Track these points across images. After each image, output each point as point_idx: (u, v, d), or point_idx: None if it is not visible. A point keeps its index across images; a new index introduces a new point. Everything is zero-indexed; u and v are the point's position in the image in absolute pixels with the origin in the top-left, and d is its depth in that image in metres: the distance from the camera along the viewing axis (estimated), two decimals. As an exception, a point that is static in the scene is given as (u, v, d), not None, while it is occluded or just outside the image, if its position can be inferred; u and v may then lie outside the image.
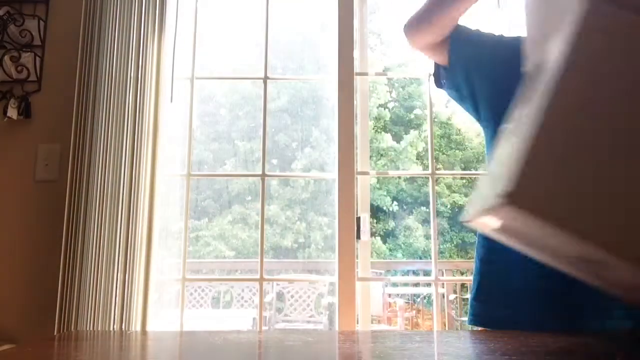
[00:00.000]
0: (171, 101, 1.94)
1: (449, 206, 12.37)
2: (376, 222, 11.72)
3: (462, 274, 7.55)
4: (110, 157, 1.77)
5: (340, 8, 2.05)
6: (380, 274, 5.81)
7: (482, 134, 1.08)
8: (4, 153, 1.89)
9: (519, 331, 0.88)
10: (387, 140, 11.96)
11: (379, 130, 12.30)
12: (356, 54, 2.06)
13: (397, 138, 12.48)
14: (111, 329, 1.68)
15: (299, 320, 5.08)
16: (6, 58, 1.91)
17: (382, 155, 11.97)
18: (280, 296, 5.35)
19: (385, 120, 12.65)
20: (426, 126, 11.75)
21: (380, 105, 12.62)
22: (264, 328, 4.53)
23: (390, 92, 13.52)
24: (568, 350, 0.72)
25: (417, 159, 12.28)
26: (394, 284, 6.21)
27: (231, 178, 11.85)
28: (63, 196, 1.75)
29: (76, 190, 1.74)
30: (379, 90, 12.62)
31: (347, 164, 1.95)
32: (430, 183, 2.06)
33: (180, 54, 1.97)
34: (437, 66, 1.14)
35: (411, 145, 12.25)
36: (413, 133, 12.48)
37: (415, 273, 6.42)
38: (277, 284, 5.26)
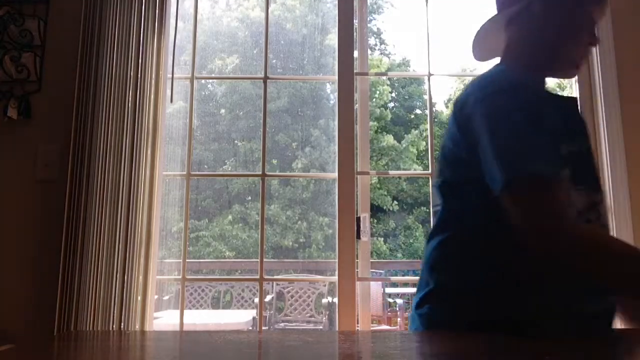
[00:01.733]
0: (171, 101, 1.94)
1: (449, 206, 12.33)
2: (376, 222, 11.72)
3: (462, 274, 7.54)
4: (110, 157, 1.77)
5: (340, 8, 2.04)
6: (380, 274, 5.81)
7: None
8: (4, 153, 1.89)
9: (518, 331, 0.88)
10: (388, 140, 11.99)
11: (379, 130, 12.31)
12: (356, 54, 2.06)
13: (398, 138, 12.49)
14: (111, 328, 1.68)
15: (299, 320, 5.08)
16: (6, 58, 1.91)
17: (382, 154, 11.98)
18: (280, 296, 5.35)
19: (386, 121, 12.67)
20: (427, 125, 11.75)
21: (381, 106, 12.64)
22: (264, 328, 4.53)
23: (391, 92, 13.53)
24: (569, 350, 0.72)
25: (417, 158, 12.28)
26: (394, 284, 6.21)
27: (231, 178, 11.82)
28: (63, 196, 1.75)
29: (76, 190, 1.74)
30: (381, 91, 12.64)
31: (347, 164, 1.95)
32: (430, 183, 2.05)
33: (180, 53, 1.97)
34: None
35: (412, 145, 12.25)
36: (414, 132, 12.48)
37: (415, 273, 6.41)
38: (277, 284, 5.26)
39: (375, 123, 12.23)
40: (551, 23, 0.96)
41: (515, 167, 0.81)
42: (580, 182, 0.88)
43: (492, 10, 1.05)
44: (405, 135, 12.55)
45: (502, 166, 0.81)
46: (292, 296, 5.19)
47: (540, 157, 0.81)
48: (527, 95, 0.87)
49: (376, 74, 11.05)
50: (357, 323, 1.95)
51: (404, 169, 11.62)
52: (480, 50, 1.07)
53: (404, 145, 12.15)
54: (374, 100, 12.31)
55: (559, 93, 1.04)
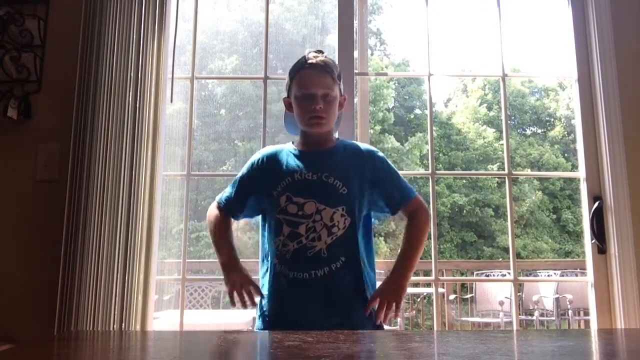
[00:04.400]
0: (171, 101, 1.93)
1: (449, 206, 12.36)
2: (377, 222, 11.74)
3: (462, 274, 7.55)
4: (110, 157, 1.77)
5: (340, 8, 2.04)
6: (380, 274, 5.80)
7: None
8: (4, 153, 1.89)
9: (519, 331, 0.88)
10: (392, 142, 12.06)
11: (381, 132, 12.36)
12: (356, 54, 2.06)
13: (398, 138, 12.51)
14: (111, 329, 1.68)
15: (299, 321, 5.06)
16: (6, 58, 1.91)
17: (386, 156, 12.06)
18: (280, 296, 5.33)
19: (388, 123, 12.72)
20: (427, 127, 11.76)
21: (386, 109, 12.70)
22: (264, 328, 4.50)
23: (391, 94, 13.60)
24: (570, 349, 0.72)
25: (420, 161, 12.30)
26: (394, 284, 6.20)
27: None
28: (63, 196, 1.75)
29: (76, 190, 1.74)
30: (385, 95, 12.70)
31: (347, 164, 1.94)
32: (430, 183, 2.05)
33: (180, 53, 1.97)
34: None
35: (415, 148, 12.28)
36: (418, 135, 12.53)
37: (415, 273, 6.42)
38: (277, 284, 5.24)
39: (378, 127, 12.27)
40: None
41: None
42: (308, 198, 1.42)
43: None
44: (408, 137, 12.58)
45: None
46: (292, 296, 5.17)
47: None
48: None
49: (376, 74, 11.04)
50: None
51: (406, 171, 11.62)
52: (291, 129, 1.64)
53: (407, 148, 12.17)
54: (380, 104, 12.36)
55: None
